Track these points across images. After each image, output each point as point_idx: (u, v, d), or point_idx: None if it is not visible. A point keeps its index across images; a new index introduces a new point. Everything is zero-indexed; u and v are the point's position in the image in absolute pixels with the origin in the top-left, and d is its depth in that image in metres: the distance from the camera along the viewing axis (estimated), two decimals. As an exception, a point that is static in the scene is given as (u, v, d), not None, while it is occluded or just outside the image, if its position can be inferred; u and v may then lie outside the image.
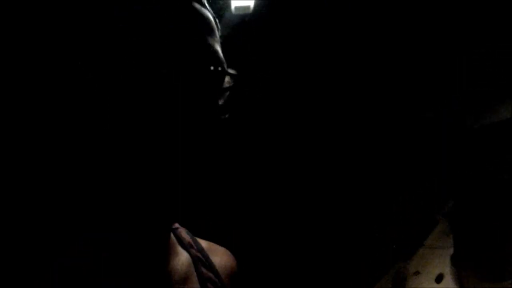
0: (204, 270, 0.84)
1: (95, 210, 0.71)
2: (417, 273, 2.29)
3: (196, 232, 0.89)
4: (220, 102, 0.73)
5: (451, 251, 2.19)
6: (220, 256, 0.89)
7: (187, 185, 0.70)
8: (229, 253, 0.93)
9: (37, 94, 0.66)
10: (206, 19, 0.73)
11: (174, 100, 0.68)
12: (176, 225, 0.86)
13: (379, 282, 2.45)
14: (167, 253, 0.78)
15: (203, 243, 0.88)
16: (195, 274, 0.81)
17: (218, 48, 0.74)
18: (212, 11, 0.75)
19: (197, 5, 0.72)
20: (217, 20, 0.76)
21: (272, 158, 2.65)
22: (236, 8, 2.23)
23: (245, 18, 2.27)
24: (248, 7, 2.23)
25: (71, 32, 0.65)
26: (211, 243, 0.90)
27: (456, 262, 2.15)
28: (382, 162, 2.64)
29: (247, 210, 2.59)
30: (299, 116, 2.64)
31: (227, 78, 0.74)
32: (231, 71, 0.74)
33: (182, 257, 0.81)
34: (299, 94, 2.60)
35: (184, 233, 0.86)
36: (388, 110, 2.61)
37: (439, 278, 2.19)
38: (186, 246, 0.84)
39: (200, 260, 0.84)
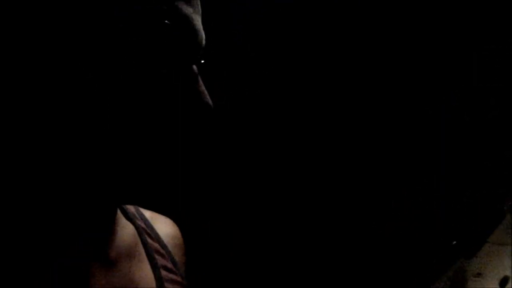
0: (149, 240, 0.83)
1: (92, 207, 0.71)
2: (479, 274, 2.07)
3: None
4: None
5: None
6: (164, 225, 0.88)
7: (186, 183, 0.71)
8: (172, 222, 0.91)
9: (37, 94, 0.66)
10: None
11: (174, 100, 0.69)
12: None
13: (434, 284, 2.24)
14: (112, 226, 0.77)
15: (146, 213, 0.87)
16: (141, 245, 0.81)
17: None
18: None
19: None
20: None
21: (270, 154, 2.65)
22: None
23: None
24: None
25: (71, 32, 0.65)
26: (154, 213, 0.89)
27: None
28: (380, 158, 2.64)
29: (245, 208, 2.59)
30: (298, 112, 2.64)
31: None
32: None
33: (127, 229, 0.80)
34: (298, 90, 2.60)
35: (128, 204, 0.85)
36: (386, 106, 2.61)
37: (503, 282, 1.98)
38: (130, 217, 0.82)
39: (145, 231, 0.83)
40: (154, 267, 0.80)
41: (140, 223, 0.83)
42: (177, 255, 0.87)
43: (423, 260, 2.39)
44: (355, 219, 2.66)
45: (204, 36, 0.73)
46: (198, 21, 0.72)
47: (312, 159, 2.67)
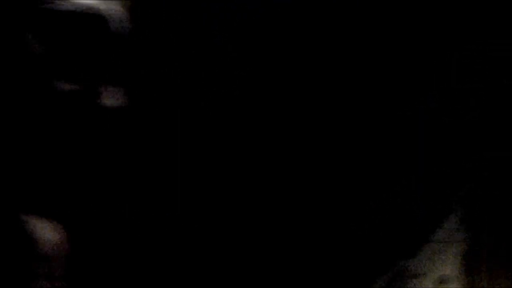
0: (34, 247, 0.82)
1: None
2: (418, 275, 2.02)
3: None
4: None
5: (465, 247, 1.95)
6: (49, 232, 0.87)
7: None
8: (60, 227, 0.90)
9: (37, 94, 0.65)
10: None
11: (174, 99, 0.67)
12: None
13: (372, 285, 2.21)
14: None
15: (29, 218, 0.86)
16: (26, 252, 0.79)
17: None
18: None
19: None
20: None
21: (249, 156, 2.64)
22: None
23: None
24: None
25: (72, 32, 0.64)
26: (38, 218, 0.87)
27: (467, 261, 1.92)
28: (358, 159, 2.64)
29: (228, 210, 2.58)
30: (276, 114, 2.63)
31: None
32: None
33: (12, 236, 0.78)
34: (277, 92, 2.59)
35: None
36: (363, 107, 2.61)
37: (442, 281, 1.93)
38: (16, 223, 0.81)
39: (30, 237, 0.82)
40: (36, 275, 0.78)
41: (26, 228, 0.81)
42: (63, 262, 0.85)
43: (402, 261, 2.39)
44: (333, 220, 2.66)
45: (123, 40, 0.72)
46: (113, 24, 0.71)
47: (291, 161, 2.67)
